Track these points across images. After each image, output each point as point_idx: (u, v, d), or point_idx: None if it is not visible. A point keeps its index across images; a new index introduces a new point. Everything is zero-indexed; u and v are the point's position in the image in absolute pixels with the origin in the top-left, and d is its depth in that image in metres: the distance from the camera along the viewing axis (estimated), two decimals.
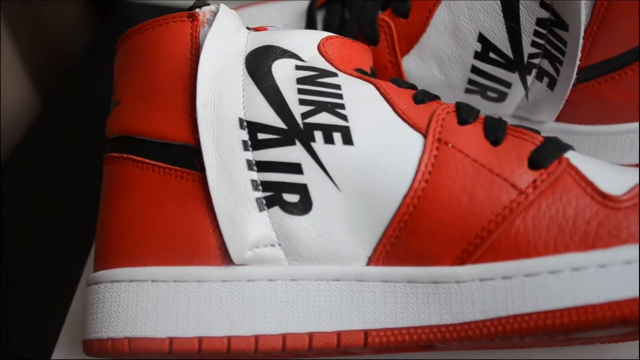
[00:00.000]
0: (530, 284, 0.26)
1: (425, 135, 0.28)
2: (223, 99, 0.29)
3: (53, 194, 0.53)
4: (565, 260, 0.26)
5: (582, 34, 0.33)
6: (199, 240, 0.28)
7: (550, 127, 0.38)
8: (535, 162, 0.27)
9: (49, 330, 0.40)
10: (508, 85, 0.36)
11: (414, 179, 0.27)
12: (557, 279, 0.25)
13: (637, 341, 0.33)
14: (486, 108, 0.38)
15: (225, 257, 0.28)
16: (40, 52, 0.62)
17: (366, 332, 0.28)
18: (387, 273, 0.28)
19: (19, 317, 0.47)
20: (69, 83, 0.62)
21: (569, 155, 0.28)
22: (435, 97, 0.30)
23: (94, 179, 0.50)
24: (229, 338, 0.28)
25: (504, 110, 0.38)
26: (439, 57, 0.37)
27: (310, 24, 0.39)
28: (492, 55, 0.36)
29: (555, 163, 0.27)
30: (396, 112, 0.29)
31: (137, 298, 0.29)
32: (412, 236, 0.27)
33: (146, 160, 0.30)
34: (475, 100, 0.38)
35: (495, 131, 0.28)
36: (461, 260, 0.27)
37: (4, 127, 0.58)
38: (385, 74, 0.38)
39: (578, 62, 0.33)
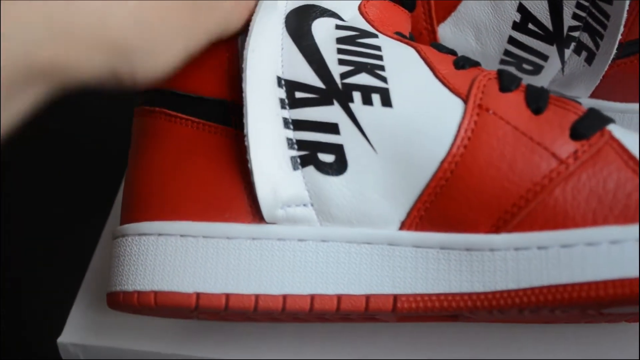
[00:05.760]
0: (566, 255, 0.25)
1: (465, 101, 0.27)
2: (262, 56, 0.28)
3: (69, 154, 0.53)
4: (603, 232, 0.25)
5: (626, 7, 0.32)
6: (231, 196, 0.28)
7: (585, 103, 0.37)
8: (578, 132, 0.27)
9: (68, 287, 0.40)
10: (545, 57, 0.36)
11: (452, 144, 0.27)
12: (594, 251, 0.25)
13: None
14: None
15: (256, 215, 0.28)
16: None
17: (395, 297, 0.28)
18: (420, 238, 0.27)
19: (38, 275, 0.47)
20: None
21: (611, 127, 0.27)
22: (476, 64, 0.30)
23: (111, 139, 0.50)
24: (257, 296, 0.28)
25: (538, 84, 0.38)
26: (476, 26, 0.36)
27: None
28: (530, 26, 0.35)
29: (598, 134, 0.27)
30: (436, 77, 0.28)
31: (165, 252, 0.28)
32: (448, 202, 0.27)
33: (179, 115, 0.29)
34: None
35: (537, 100, 0.28)
36: (496, 229, 0.26)
37: None
38: (420, 41, 0.37)
39: (620, 36, 0.33)
